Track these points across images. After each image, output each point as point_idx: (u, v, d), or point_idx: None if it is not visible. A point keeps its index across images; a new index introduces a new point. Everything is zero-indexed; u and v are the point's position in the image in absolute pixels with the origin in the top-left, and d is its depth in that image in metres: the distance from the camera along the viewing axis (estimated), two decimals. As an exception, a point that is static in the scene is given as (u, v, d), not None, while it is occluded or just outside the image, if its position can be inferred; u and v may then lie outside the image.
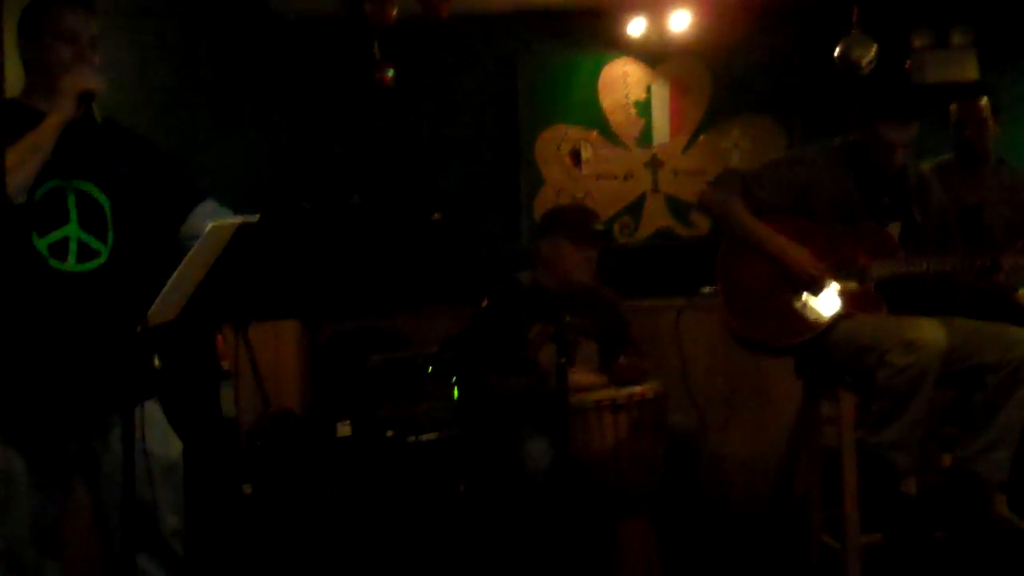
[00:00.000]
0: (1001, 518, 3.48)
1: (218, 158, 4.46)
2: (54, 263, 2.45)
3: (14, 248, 2.40)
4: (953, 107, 3.98)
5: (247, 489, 3.62)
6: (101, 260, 2.51)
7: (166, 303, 2.28)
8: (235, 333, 3.74)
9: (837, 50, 5.07)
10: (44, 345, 2.43)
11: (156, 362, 2.58)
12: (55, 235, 2.45)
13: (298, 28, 5.38)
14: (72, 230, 2.47)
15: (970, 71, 5.11)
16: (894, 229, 3.48)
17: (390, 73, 5.26)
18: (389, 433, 3.84)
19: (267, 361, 4.01)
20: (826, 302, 3.40)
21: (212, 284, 2.29)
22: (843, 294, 3.40)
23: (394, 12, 5.01)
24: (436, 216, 4.15)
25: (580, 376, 3.54)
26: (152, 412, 2.58)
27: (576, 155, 5.41)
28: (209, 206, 2.71)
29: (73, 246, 2.47)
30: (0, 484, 2.41)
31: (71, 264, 2.47)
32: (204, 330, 3.78)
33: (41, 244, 2.43)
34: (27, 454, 2.44)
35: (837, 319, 3.36)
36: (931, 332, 3.14)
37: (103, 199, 2.53)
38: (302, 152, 5.29)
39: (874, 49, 5.03)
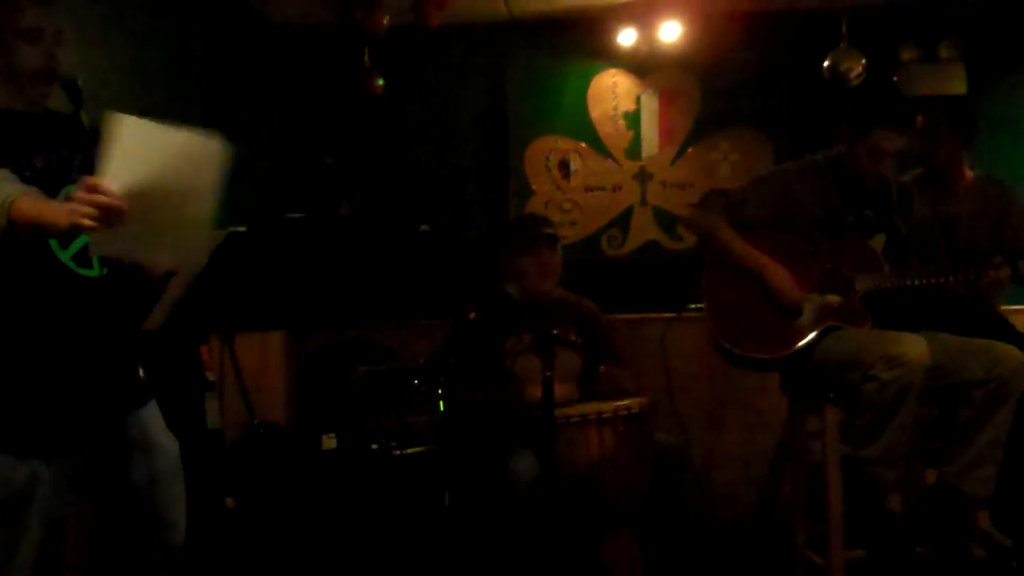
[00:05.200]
0: (984, 534, 3.48)
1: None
2: (83, 271, 2.39)
3: (40, 267, 2.34)
4: (917, 119, 4.00)
5: (231, 502, 3.61)
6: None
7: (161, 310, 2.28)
8: (221, 344, 3.73)
9: (826, 63, 5.08)
10: (79, 353, 2.39)
11: (141, 373, 2.57)
12: (77, 244, 2.38)
13: (288, 36, 5.38)
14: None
15: (958, 84, 5.11)
16: (878, 242, 3.49)
17: (380, 82, 5.26)
18: (374, 446, 3.83)
19: (253, 372, 4.00)
20: (811, 316, 3.41)
21: (198, 294, 2.27)
22: (828, 308, 3.41)
23: (385, 21, 5.01)
24: (424, 228, 4.14)
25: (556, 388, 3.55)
26: (152, 407, 2.58)
27: (565, 166, 5.41)
28: None
29: None
30: (18, 504, 2.32)
31: (96, 269, 2.42)
32: (189, 340, 3.76)
33: (65, 256, 2.37)
34: (48, 468, 2.36)
35: (822, 334, 3.37)
36: (915, 347, 3.15)
37: None
38: (290, 161, 5.28)
39: (862, 62, 5.05)
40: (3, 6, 2.35)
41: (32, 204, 2.16)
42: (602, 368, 3.73)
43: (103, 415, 2.43)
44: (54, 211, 2.14)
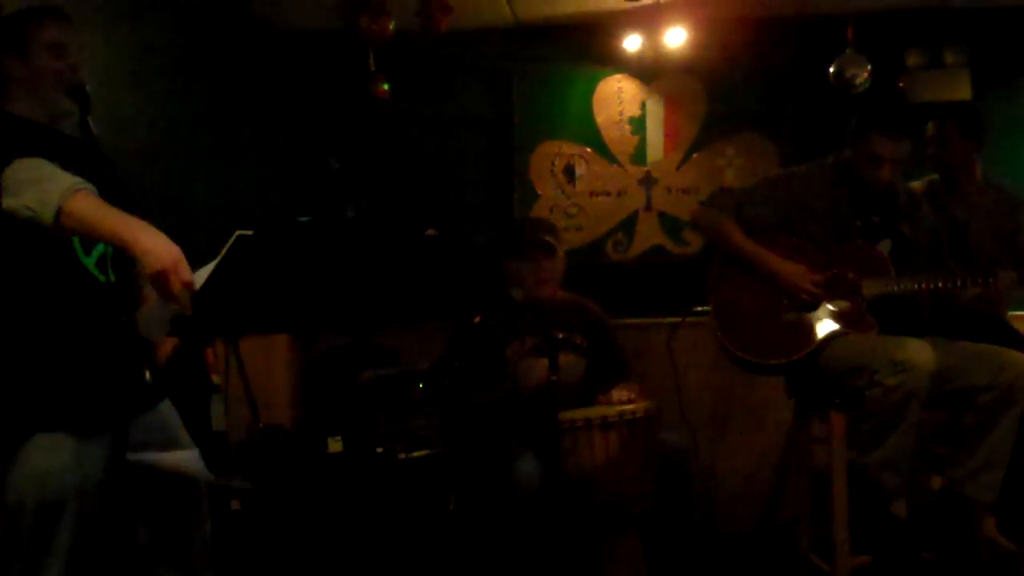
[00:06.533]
0: (990, 540, 3.48)
1: (213, 171, 4.46)
2: (102, 278, 2.43)
3: (66, 270, 2.37)
4: (928, 124, 4.01)
5: (236, 505, 3.61)
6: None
7: None
8: (226, 347, 3.74)
9: (831, 68, 5.09)
10: (103, 354, 2.41)
11: (147, 375, 2.58)
12: (97, 251, 2.42)
13: (294, 41, 5.39)
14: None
15: (963, 91, 5.12)
16: (885, 247, 3.49)
17: (385, 87, 5.26)
18: (379, 449, 3.84)
19: (258, 376, 4.00)
20: (818, 321, 3.41)
21: (204, 297, 2.28)
22: (834, 313, 3.41)
23: (390, 26, 5.02)
24: (430, 232, 4.15)
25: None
26: (168, 406, 2.62)
27: (570, 171, 5.41)
28: None
29: (110, 259, 2.45)
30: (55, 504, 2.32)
31: (112, 276, 2.45)
32: (195, 343, 3.77)
33: (89, 262, 2.40)
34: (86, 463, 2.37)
35: (828, 338, 3.37)
36: (921, 353, 3.14)
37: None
38: (297, 166, 5.29)
39: (868, 68, 5.06)
40: (31, 21, 2.41)
41: (98, 210, 2.18)
42: (614, 392, 3.71)
43: (125, 412, 2.44)
44: (139, 234, 2.16)
